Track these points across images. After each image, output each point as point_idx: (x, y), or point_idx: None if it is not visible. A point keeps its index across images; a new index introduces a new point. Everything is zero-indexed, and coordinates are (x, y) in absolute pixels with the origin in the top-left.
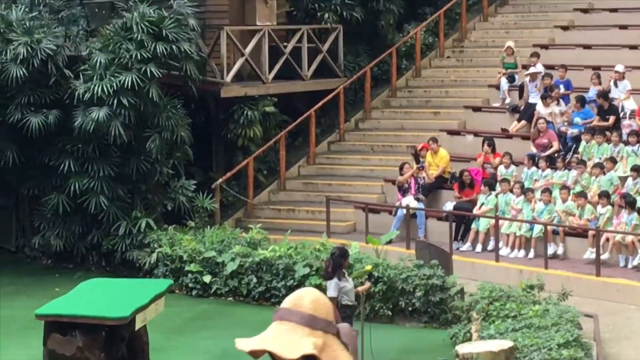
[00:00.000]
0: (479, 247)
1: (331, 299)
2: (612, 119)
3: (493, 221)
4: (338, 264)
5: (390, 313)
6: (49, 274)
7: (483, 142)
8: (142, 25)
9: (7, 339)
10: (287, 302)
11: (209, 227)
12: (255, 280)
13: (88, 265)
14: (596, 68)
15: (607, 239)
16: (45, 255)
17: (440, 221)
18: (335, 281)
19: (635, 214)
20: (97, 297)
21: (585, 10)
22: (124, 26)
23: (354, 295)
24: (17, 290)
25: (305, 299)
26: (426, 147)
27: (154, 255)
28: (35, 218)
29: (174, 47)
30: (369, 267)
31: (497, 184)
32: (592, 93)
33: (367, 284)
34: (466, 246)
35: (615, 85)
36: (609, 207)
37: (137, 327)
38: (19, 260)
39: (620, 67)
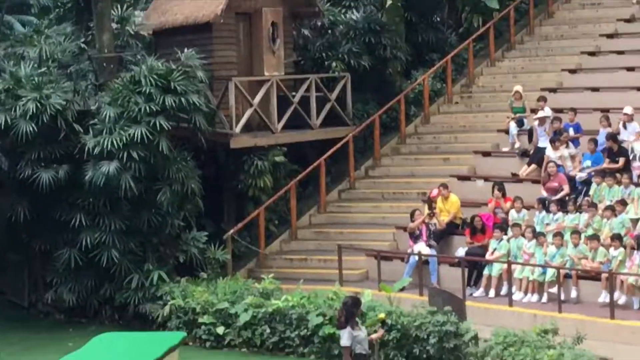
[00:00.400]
0: (492, 293)
1: (345, 348)
2: (622, 161)
3: (505, 266)
4: (351, 313)
5: None
6: (62, 329)
7: (493, 187)
8: (151, 79)
9: None
10: None
11: (221, 278)
12: (268, 330)
13: (101, 319)
14: (605, 110)
15: (621, 282)
16: (58, 310)
17: (452, 267)
18: (349, 330)
19: None
20: (111, 352)
21: (592, 53)
22: (133, 79)
23: (368, 343)
24: (31, 346)
25: None
26: (438, 193)
27: (167, 308)
28: (47, 273)
29: (182, 99)
30: (382, 315)
31: (509, 229)
32: (602, 136)
33: (381, 332)
34: (479, 292)
35: (625, 127)
36: (622, 249)
37: None
38: (31, 316)
39: (628, 109)
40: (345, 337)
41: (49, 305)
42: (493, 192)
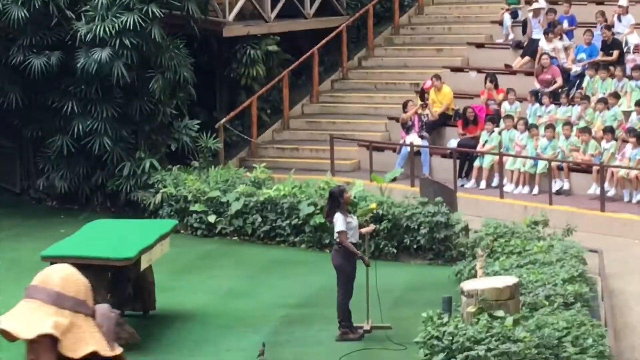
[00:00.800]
0: (483, 184)
1: (341, 232)
2: (615, 53)
3: (497, 158)
4: (337, 203)
5: (395, 251)
6: (54, 215)
7: (486, 78)
8: None
9: (13, 281)
10: (36, 279)
11: (213, 167)
12: (260, 219)
13: (93, 206)
14: (600, 3)
15: (612, 174)
16: (50, 197)
17: (444, 158)
18: (342, 216)
19: (638, 149)
20: (102, 239)
21: None
22: None
23: (358, 233)
24: (22, 232)
25: (55, 275)
26: (432, 85)
27: (159, 196)
28: (39, 160)
29: None
30: (373, 205)
31: (501, 121)
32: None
33: (372, 226)
34: (470, 183)
35: (619, 19)
36: (614, 142)
37: (142, 267)
38: (23, 202)
39: (623, 2)
40: (340, 222)
41: (41, 192)
42: (486, 83)
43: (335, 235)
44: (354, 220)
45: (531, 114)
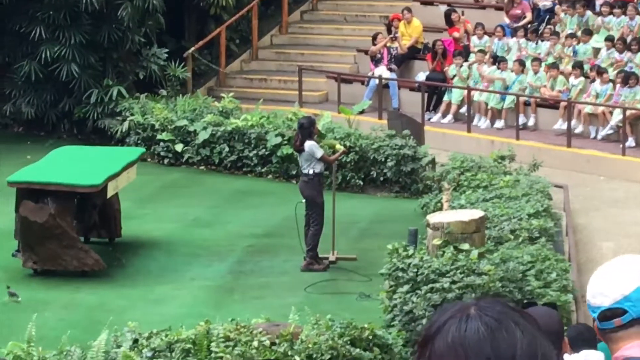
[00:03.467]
0: (451, 118)
1: (323, 157)
2: None
3: (465, 92)
4: (307, 133)
5: (361, 183)
6: (20, 141)
7: (454, 12)
8: None
9: None
10: None
11: (180, 95)
12: (227, 149)
13: (59, 133)
14: None
15: (579, 111)
16: (16, 123)
17: (412, 92)
18: (314, 142)
19: (608, 85)
20: (69, 165)
21: None
22: None
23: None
24: None
25: None
26: (398, 17)
27: (126, 124)
28: (6, 85)
29: None
30: (338, 146)
31: (470, 55)
32: None
33: (342, 150)
34: (438, 117)
35: None
36: (582, 78)
37: (109, 194)
38: None
39: None
40: (316, 148)
41: (7, 118)
42: (454, 17)
43: (305, 165)
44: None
45: (499, 48)
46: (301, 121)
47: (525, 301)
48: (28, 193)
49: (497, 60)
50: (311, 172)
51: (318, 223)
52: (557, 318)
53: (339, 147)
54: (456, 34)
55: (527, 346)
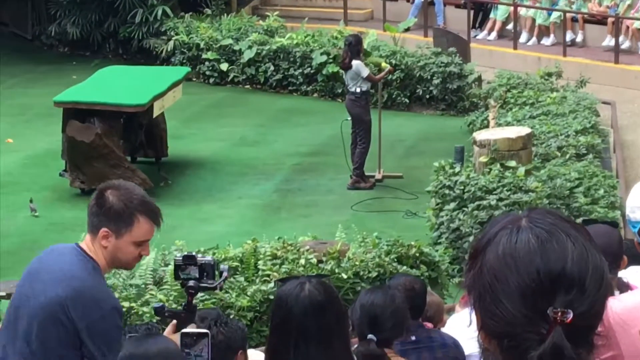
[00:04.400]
0: (496, 35)
1: (369, 76)
2: None
3: (512, 9)
4: (356, 51)
5: (407, 101)
6: (66, 61)
7: None
8: None
9: (26, 126)
10: None
11: (225, 14)
12: (272, 68)
13: (105, 53)
14: None
15: (627, 27)
16: (61, 43)
17: (458, 9)
18: (360, 62)
19: None
20: (114, 85)
21: None
22: None
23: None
24: (35, 78)
25: None
26: None
27: (171, 43)
28: (51, 6)
29: None
30: (384, 64)
31: None
32: None
33: (388, 67)
34: (484, 34)
35: None
36: None
37: (155, 114)
38: (35, 48)
39: None
40: (363, 67)
41: (52, 38)
42: None
43: (351, 84)
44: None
45: None
46: (349, 39)
47: (583, 218)
48: (74, 113)
49: None
50: (358, 90)
51: (365, 141)
52: (616, 237)
53: (385, 65)
54: None
55: (577, 258)
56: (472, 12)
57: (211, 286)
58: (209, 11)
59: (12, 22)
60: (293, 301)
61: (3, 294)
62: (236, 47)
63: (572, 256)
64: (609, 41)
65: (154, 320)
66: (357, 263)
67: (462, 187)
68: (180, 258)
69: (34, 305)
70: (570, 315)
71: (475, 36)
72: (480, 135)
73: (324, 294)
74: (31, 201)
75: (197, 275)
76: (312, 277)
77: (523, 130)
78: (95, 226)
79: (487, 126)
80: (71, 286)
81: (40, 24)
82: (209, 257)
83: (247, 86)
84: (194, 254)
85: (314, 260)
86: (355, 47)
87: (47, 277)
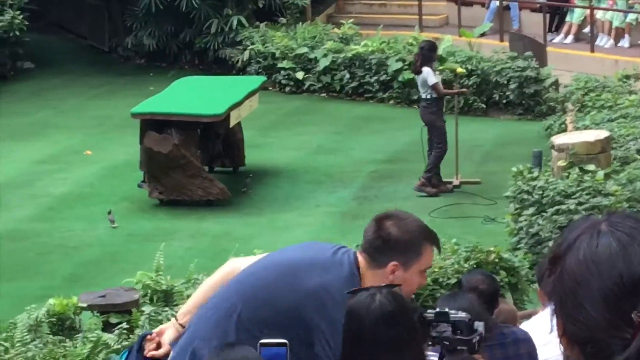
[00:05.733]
0: (573, 39)
1: (435, 84)
2: None
3: (588, 11)
4: (428, 57)
5: (484, 106)
6: (143, 73)
7: None
8: None
9: (104, 137)
10: None
11: (300, 23)
12: (348, 75)
13: (181, 63)
14: None
15: None
16: (138, 55)
17: (534, 12)
18: (430, 69)
19: None
20: (191, 95)
21: None
22: None
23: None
24: (112, 90)
25: None
26: None
27: (247, 53)
28: (127, 18)
29: None
30: (459, 70)
31: None
32: None
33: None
34: (560, 37)
35: None
36: None
37: (232, 123)
38: (112, 60)
39: None
40: (431, 76)
41: (129, 50)
42: None
43: (422, 90)
44: (438, 76)
45: None
46: (422, 44)
47: None
48: (152, 124)
49: None
50: (428, 96)
51: (440, 147)
52: None
53: (461, 71)
54: None
55: None
56: (548, 15)
57: (466, 338)
58: (283, 20)
59: (89, 35)
60: (364, 312)
61: (84, 305)
62: (311, 56)
63: None
64: None
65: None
66: (436, 270)
67: (540, 192)
68: (432, 314)
69: None
70: None
71: (552, 40)
72: (559, 140)
73: (395, 304)
74: (110, 212)
75: (449, 334)
76: (382, 287)
77: (601, 134)
78: (382, 261)
79: (564, 130)
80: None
81: (117, 36)
82: (463, 314)
83: (323, 94)
84: (446, 310)
85: None
86: (428, 52)
87: None
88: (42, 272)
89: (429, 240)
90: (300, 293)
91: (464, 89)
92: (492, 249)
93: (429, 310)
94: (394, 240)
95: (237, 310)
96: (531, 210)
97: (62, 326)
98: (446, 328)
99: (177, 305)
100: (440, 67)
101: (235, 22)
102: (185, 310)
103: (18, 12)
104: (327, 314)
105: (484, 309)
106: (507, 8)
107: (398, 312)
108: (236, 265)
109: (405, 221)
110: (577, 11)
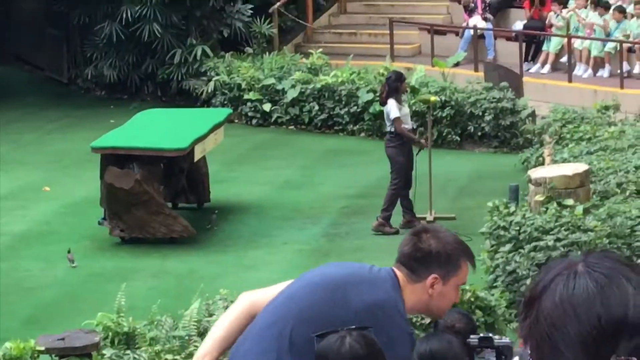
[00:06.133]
0: (549, 68)
1: (396, 119)
2: None
3: (565, 40)
4: (394, 88)
5: (458, 138)
6: (103, 105)
7: None
8: None
9: (64, 173)
10: None
11: (267, 53)
12: (317, 107)
13: (143, 95)
14: None
15: None
16: (98, 87)
17: (509, 42)
18: (394, 102)
19: None
20: (154, 129)
21: None
22: None
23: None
24: (72, 123)
25: None
26: None
27: (211, 84)
28: (87, 48)
29: None
30: (433, 98)
31: (569, 1)
32: None
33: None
34: (537, 67)
35: None
36: None
37: (196, 158)
38: (71, 93)
39: None
40: (394, 109)
41: (89, 81)
42: None
43: (387, 123)
44: (405, 109)
45: None
46: (389, 74)
47: None
48: (113, 159)
49: (600, 5)
50: (392, 129)
51: (396, 184)
52: None
53: (435, 100)
54: None
55: None
56: (524, 44)
57: None
58: (250, 50)
59: (47, 67)
60: (334, 356)
61: (42, 348)
62: (279, 87)
63: (634, 301)
64: None
65: None
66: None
67: (517, 228)
68: (476, 340)
69: None
70: None
71: (528, 70)
72: (536, 173)
73: (365, 348)
74: (69, 251)
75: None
76: (352, 329)
77: (580, 167)
78: (422, 274)
79: (542, 163)
80: None
81: (76, 67)
82: (506, 339)
83: (291, 127)
84: (490, 335)
85: None
86: (394, 82)
87: None
88: None
89: (466, 255)
90: (351, 310)
91: (423, 141)
92: (467, 287)
93: (472, 336)
94: (435, 253)
95: (287, 332)
96: (508, 246)
97: None
98: (490, 353)
99: (139, 348)
100: (413, 101)
101: (199, 52)
102: (204, 351)
103: None
104: (383, 331)
105: (462, 349)
106: (482, 37)
107: (368, 356)
108: (253, 298)
109: (444, 234)
110: (554, 40)
